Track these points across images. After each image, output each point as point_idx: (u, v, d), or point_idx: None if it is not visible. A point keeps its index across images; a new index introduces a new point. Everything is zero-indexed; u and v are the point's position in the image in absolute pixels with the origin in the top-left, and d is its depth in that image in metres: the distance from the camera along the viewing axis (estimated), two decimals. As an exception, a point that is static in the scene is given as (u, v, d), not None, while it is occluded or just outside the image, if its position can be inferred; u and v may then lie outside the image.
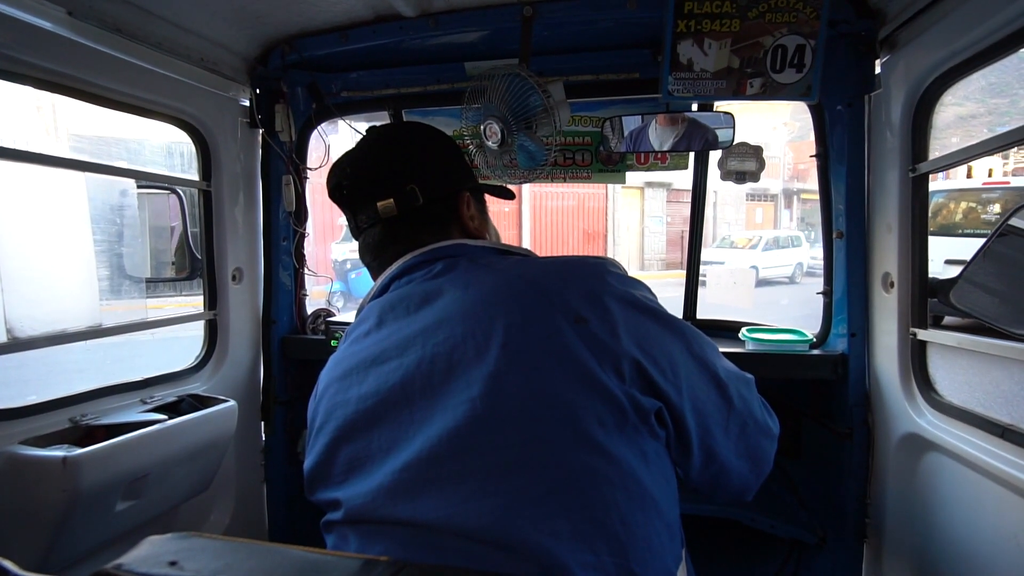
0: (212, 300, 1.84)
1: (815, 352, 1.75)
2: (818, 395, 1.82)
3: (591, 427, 0.73)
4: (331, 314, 2.13)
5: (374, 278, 1.01)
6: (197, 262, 1.80)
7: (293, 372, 2.09)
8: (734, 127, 1.70)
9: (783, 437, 1.86)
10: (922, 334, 1.45)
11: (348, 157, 1.04)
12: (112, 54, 1.42)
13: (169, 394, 1.66)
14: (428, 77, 1.85)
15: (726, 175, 1.86)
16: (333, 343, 1.92)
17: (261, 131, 1.91)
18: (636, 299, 0.84)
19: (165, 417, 1.50)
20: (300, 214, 2.00)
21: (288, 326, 2.07)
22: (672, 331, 0.84)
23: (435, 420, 0.75)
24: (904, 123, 1.42)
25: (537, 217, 15.78)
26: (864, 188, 1.60)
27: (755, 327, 1.90)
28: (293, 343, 2.04)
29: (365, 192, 0.99)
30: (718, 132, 1.73)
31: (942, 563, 1.37)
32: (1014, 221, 1.23)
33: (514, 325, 0.78)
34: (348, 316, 2.08)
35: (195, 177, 1.79)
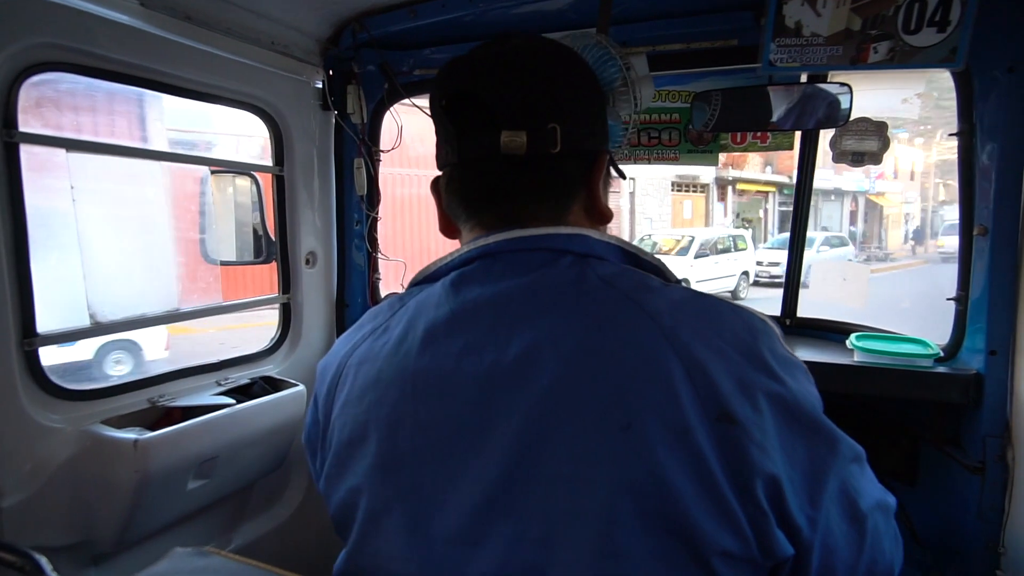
0: (286, 284, 1.87)
1: (941, 369, 1.47)
2: (942, 417, 1.55)
3: (713, 559, 0.58)
4: (404, 298, 2.11)
5: (453, 226, 0.79)
6: (271, 246, 1.83)
7: None
8: (851, 100, 1.44)
9: (896, 458, 1.62)
10: None
11: (474, 59, 0.74)
12: (184, 43, 1.42)
13: (243, 376, 1.71)
14: None
15: (840, 156, 1.60)
16: None
17: (335, 113, 1.89)
18: (797, 403, 0.64)
19: (234, 401, 1.54)
20: (372, 198, 1.97)
21: (361, 309, 2.07)
22: (827, 446, 0.65)
23: (523, 515, 0.60)
24: None
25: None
26: (1021, 177, 1.30)
27: (866, 333, 1.65)
28: None
29: (489, 111, 0.69)
30: (832, 106, 1.47)
31: None
32: None
33: (632, 396, 0.60)
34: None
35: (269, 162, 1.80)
